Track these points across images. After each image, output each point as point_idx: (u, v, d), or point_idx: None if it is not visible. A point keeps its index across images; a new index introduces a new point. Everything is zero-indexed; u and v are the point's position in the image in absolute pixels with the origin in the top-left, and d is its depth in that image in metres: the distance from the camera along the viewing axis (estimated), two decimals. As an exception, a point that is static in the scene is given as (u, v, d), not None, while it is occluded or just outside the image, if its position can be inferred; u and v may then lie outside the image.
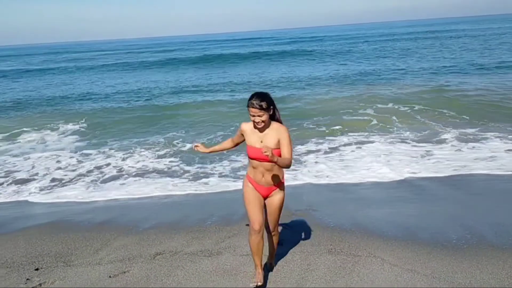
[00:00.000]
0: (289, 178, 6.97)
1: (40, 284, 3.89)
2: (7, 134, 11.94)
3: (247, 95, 3.58)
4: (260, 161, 3.57)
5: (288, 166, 3.53)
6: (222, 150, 4.09)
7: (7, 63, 47.02)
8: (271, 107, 3.53)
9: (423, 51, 30.49)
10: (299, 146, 9.10)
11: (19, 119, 14.24)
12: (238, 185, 6.86)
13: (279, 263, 4.13)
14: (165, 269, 4.10)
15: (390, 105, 12.80)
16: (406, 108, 12.21)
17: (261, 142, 3.56)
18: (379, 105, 12.81)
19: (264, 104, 3.44)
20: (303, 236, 4.72)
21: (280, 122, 3.67)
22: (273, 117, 3.66)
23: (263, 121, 3.49)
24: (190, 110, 14.10)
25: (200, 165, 8.16)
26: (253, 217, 3.60)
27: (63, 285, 3.87)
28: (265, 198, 3.75)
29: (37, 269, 4.22)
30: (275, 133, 3.55)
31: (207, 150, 3.97)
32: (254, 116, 3.47)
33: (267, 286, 3.75)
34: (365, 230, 4.81)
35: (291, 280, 3.82)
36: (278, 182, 3.69)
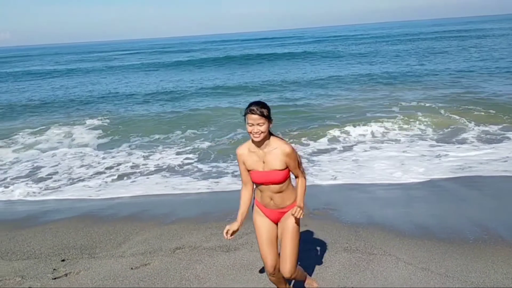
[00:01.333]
0: (307, 177, 7.03)
1: (66, 274, 4.08)
2: (36, 129, 12.37)
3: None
4: (267, 185, 3.18)
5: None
6: (248, 207, 3.36)
7: (33, 62, 48.23)
8: (271, 118, 3.14)
9: (449, 51, 29.82)
10: (315, 144, 9.14)
11: (47, 116, 14.71)
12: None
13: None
14: (184, 262, 4.25)
15: (414, 103, 12.72)
16: (431, 104, 12.13)
17: (263, 163, 3.16)
18: (403, 103, 12.76)
19: (265, 112, 3.06)
20: (319, 234, 4.79)
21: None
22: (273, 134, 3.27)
23: (262, 132, 3.07)
24: (212, 110, 14.27)
25: (215, 164, 8.34)
26: (265, 258, 3.27)
27: (87, 276, 4.06)
28: (277, 223, 3.35)
29: (63, 260, 4.42)
30: (279, 152, 3.13)
31: (239, 224, 3.28)
32: (253, 125, 3.06)
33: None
34: (381, 229, 4.85)
35: (306, 274, 3.91)
36: (290, 204, 3.26)
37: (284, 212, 3.28)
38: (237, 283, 3.83)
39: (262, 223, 3.31)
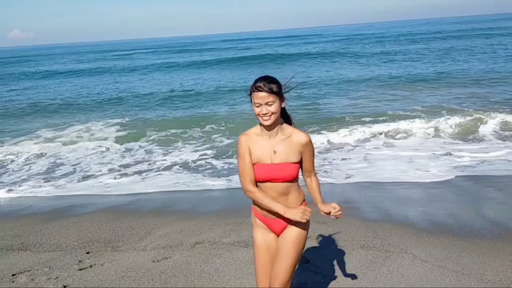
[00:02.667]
0: (324, 175, 7.11)
1: (91, 266, 4.25)
2: (57, 127, 12.70)
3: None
4: (274, 182, 2.63)
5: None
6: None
7: (55, 60, 49.17)
8: (283, 96, 2.63)
9: (474, 49, 29.14)
10: (330, 142, 9.18)
11: (67, 114, 15.09)
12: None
13: (311, 254, 4.30)
14: (204, 256, 4.37)
15: (435, 103, 12.63)
16: (453, 104, 12.03)
17: (275, 152, 2.62)
18: (425, 103, 12.68)
19: (274, 87, 2.54)
20: (337, 231, 4.85)
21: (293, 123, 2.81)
22: (287, 118, 2.77)
23: (273, 113, 2.55)
24: (231, 107, 14.41)
25: (232, 160, 8.46)
26: (258, 282, 2.84)
27: (112, 267, 4.21)
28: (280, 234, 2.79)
29: (88, 253, 4.59)
30: (295, 140, 2.63)
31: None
32: (260, 105, 2.54)
33: (297, 275, 3.93)
34: (398, 227, 4.89)
35: (322, 269, 4.00)
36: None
37: (289, 221, 2.69)
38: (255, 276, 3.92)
39: (263, 242, 2.78)
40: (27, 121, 14.45)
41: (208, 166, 8.31)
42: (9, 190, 7.55)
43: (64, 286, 3.83)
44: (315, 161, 2.80)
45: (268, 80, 2.57)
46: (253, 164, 2.65)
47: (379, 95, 14.86)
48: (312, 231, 4.82)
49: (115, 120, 13.27)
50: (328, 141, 9.55)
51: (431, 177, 6.82)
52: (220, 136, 10.61)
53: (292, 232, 2.71)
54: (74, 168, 8.75)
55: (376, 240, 4.57)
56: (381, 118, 11.15)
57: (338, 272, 3.95)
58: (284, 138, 2.65)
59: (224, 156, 8.91)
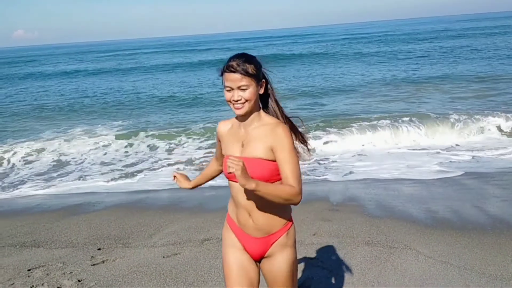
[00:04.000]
0: (329, 172, 7.21)
1: (103, 261, 4.37)
2: (60, 127, 12.85)
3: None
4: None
5: (288, 201, 2.01)
6: (208, 180, 2.70)
7: (59, 60, 49.38)
8: (263, 79, 2.15)
9: (482, 48, 28.66)
10: (333, 139, 9.26)
11: (72, 114, 15.25)
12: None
13: (317, 250, 4.41)
14: (212, 252, 4.48)
15: (441, 102, 12.71)
16: (457, 103, 12.11)
17: (242, 145, 2.18)
18: (430, 103, 12.76)
19: (251, 69, 2.05)
20: (341, 228, 4.95)
21: (282, 117, 2.25)
22: (266, 104, 2.26)
23: (246, 100, 2.08)
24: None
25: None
26: None
27: (123, 263, 4.33)
28: (259, 260, 2.27)
29: (99, 249, 4.71)
30: (267, 130, 2.12)
31: (189, 186, 2.64)
32: (231, 89, 2.08)
33: (303, 270, 4.04)
34: (402, 224, 4.99)
35: (327, 264, 4.10)
36: (282, 227, 2.21)
37: (271, 242, 2.20)
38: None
39: (234, 257, 2.25)
40: (30, 121, 14.57)
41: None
42: (17, 189, 7.69)
43: (78, 280, 3.96)
44: (297, 169, 2.06)
45: (244, 58, 2.07)
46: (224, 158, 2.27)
47: (384, 95, 14.96)
48: (317, 229, 4.95)
49: (120, 120, 13.41)
50: (326, 139, 9.64)
51: (435, 174, 6.93)
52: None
53: (280, 258, 2.20)
54: (79, 167, 8.90)
55: (381, 237, 4.67)
56: (381, 115, 11.25)
57: (343, 267, 4.05)
58: (257, 127, 2.17)
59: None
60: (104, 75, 29.15)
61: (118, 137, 11.06)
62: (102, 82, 25.25)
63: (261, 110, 2.22)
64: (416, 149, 8.58)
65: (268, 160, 2.10)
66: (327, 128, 10.35)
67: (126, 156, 9.56)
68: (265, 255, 2.24)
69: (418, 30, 59.46)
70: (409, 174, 7.06)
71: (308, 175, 7.29)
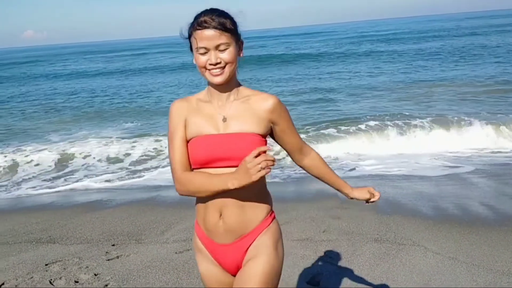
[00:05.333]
0: (338, 171, 7.27)
1: (118, 257, 4.49)
2: (67, 129, 13.03)
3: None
4: (222, 167, 1.74)
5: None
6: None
7: (67, 61, 49.76)
8: (241, 39, 1.78)
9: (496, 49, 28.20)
10: (338, 136, 9.31)
11: (81, 115, 15.43)
12: (290, 177, 7.26)
13: (326, 247, 4.49)
14: (222, 249, 4.58)
15: (453, 101, 12.72)
16: (467, 102, 12.11)
17: (224, 120, 1.77)
18: (441, 104, 12.78)
19: (228, 23, 1.68)
20: (351, 225, 5.02)
21: None
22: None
23: (227, 63, 1.71)
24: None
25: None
26: None
27: (137, 258, 4.44)
28: (236, 273, 1.84)
29: (113, 245, 4.83)
30: (257, 105, 1.78)
31: None
32: (207, 51, 1.69)
33: (313, 266, 4.12)
34: (412, 221, 5.05)
35: (336, 261, 4.19)
36: (258, 224, 1.81)
37: (247, 245, 1.80)
38: None
39: (210, 271, 1.90)
40: (39, 121, 14.70)
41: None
42: (29, 188, 7.84)
43: (95, 274, 4.08)
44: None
45: (217, 12, 1.69)
46: (189, 140, 1.79)
47: (394, 96, 14.97)
48: (326, 226, 5.03)
49: (129, 122, 13.55)
50: (331, 136, 9.71)
51: (443, 171, 7.00)
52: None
53: (258, 262, 1.74)
54: (89, 166, 9.03)
55: (389, 234, 4.74)
56: (393, 114, 11.29)
57: (352, 263, 4.13)
58: (239, 101, 1.79)
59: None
60: (114, 75, 29.35)
61: (126, 137, 11.18)
62: (112, 81, 25.46)
63: (240, 86, 1.86)
64: (424, 147, 8.61)
65: (261, 135, 1.77)
66: (336, 127, 10.40)
67: (135, 154, 9.65)
68: (242, 264, 1.80)
69: (429, 28, 59.00)
70: (418, 171, 7.13)
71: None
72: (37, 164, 9.39)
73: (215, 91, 1.81)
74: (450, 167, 7.24)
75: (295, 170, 7.55)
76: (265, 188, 1.91)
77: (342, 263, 4.15)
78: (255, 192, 1.81)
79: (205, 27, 1.67)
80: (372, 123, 10.43)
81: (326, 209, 5.58)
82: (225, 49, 1.70)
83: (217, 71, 1.72)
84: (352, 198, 2.09)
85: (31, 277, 4.11)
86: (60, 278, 4.06)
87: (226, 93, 1.81)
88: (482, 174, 6.72)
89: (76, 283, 3.97)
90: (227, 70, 1.73)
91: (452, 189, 6.19)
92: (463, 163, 7.40)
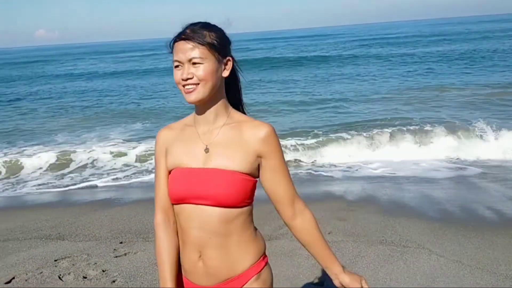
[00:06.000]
0: (345, 173, 7.30)
1: (126, 254, 4.57)
2: (74, 132, 13.18)
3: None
4: (198, 204, 1.53)
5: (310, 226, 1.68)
6: (175, 261, 1.65)
7: (78, 60, 50.16)
8: (228, 56, 1.58)
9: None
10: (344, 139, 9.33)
11: (89, 115, 15.61)
12: (302, 177, 7.30)
13: (331, 248, 4.52)
14: (229, 248, 4.64)
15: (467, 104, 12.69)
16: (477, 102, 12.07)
17: (207, 151, 1.56)
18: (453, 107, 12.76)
19: (210, 36, 1.51)
20: (357, 228, 5.06)
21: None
22: (235, 96, 1.70)
23: (201, 80, 1.50)
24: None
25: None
26: None
27: (145, 255, 4.52)
28: None
29: (121, 242, 4.91)
30: (248, 134, 1.56)
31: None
32: (180, 64, 1.52)
33: (317, 267, 4.16)
34: (417, 224, 5.07)
35: (341, 261, 4.19)
36: (246, 269, 1.60)
37: None
38: (279, 267, 4.17)
39: None
40: (46, 120, 14.78)
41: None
42: (39, 186, 7.97)
43: (103, 270, 4.16)
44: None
45: (201, 24, 1.54)
46: (170, 172, 1.63)
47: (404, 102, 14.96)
48: (332, 228, 5.07)
49: (137, 121, 13.67)
50: (336, 139, 9.73)
51: (450, 175, 7.02)
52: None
53: None
54: (96, 165, 9.14)
55: (395, 236, 4.77)
56: (411, 121, 11.29)
57: (356, 264, 4.17)
58: (229, 127, 1.58)
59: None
60: (124, 75, 29.55)
61: (135, 137, 11.28)
62: (122, 82, 25.66)
63: (231, 107, 1.65)
64: (433, 151, 8.60)
65: (246, 174, 1.54)
66: (345, 131, 10.41)
67: (143, 153, 9.73)
68: None
69: (440, 31, 58.59)
70: (425, 174, 7.15)
71: (324, 175, 7.43)
72: (46, 163, 9.51)
73: (199, 113, 1.61)
74: (458, 171, 7.25)
75: (301, 171, 7.60)
76: (253, 228, 1.67)
77: (347, 264, 4.18)
78: (239, 231, 1.59)
79: (181, 39, 1.52)
80: (381, 126, 10.44)
81: (332, 211, 5.62)
82: (199, 64, 1.50)
83: (190, 87, 1.52)
84: (340, 283, 1.69)
85: (41, 272, 4.21)
86: (68, 274, 4.15)
87: (212, 117, 1.59)
88: (490, 179, 6.72)
89: (85, 279, 4.05)
90: (201, 88, 1.51)
91: (459, 193, 6.21)
92: (471, 167, 7.39)
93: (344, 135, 10.08)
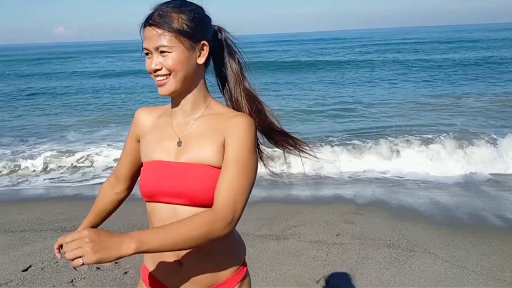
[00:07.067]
0: (355, 176, 7.37)
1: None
2: (90, 127, 13.42)
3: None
4: (168, 203, 1.42)
5: (209, 236, 1.27)
6: (104, 219, 1.90)
7: (97, 58, 50.73)
8: (203, 40, 1.39)
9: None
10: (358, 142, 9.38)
11: (102, 115, 15.85)
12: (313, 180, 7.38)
13: (338, 250, 4.60)
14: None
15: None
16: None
17: (179, 144, 1.43)
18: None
19: (178, 21, 1.33)
20: (364, 231, 5.12)
21: (248, 110, 1.49)
22: (225, 85, 1.53)
23: (171, 71, 1.36)
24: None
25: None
26: None
27: (155, 250, 4.65)
28: None
29: (134, 237, 5.05)
30: (222, 125, 1.40)
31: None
32: (149, 53, 1.38)
33: (323, 268, 4.24)
34: (425, 229, 5.11)
35: (347, 263, 4.31)
36: (229, 276, 1.50)
37: None
38: (286, 265, 4.27)
39: None
40: (61, 118, 14.96)
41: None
42: (53, 180, 8.17)
43: (115, 262, 4.30)
44: (240, 183, 1.36)
45: (172, 4, 1.36)
46: (143, 165, 1.52)
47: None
48: (340, 230, 5.15)
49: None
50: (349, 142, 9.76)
51: (461, 180, 7.09)
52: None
53: None
54: (110, 162, 9.30)
55: (402, 240, 4.83)
56: (415, 125, 11.29)
57: (362, 266, 4.24)
58: (205, 118, 1.45)
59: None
60: (140, 74, 29.77)
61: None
62: (138, 80, 25.92)
63: (211, 97, 1.51)
64: (443, 157, 8.59)
65: (219, 168, 1.38)
66: (360, 138, 10.43)
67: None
68: None
69: (458, 37, 58.04)
70: (435, 180, 7.19)
71: (334, 178, 7.50)
72: (61, 158, 9.69)
73: (175, 103, 1.49)
74: (469, 178, 7.24)
75: (311, 175, 7.67)
76: (229, 240, 1.51)
77: (352, 265, 4.26)
78: (218, 251, 1.46)
79: (149, 24, 1.35)
80: (395, 133, 10.43)
81: (341, 213, 5.69)
82: (167, 53, 1.35)
83: (161, 79, 1.39)
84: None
85: (56, 262, 4.37)
86: (82, 264, 4.28)
87: (189, 108, 1.46)
88: (502, 187, 6.72)
89: (98, 270, 4.20)
90: (172, 80, 1.38)
91: (469, 200, 6.22)
92: (483, 175, 7.37)
93: (357, 142, 10.08)
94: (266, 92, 19.07)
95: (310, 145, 1.61)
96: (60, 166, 9.03)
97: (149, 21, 1.36)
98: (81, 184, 7.87)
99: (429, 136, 10.05)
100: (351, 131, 11.21)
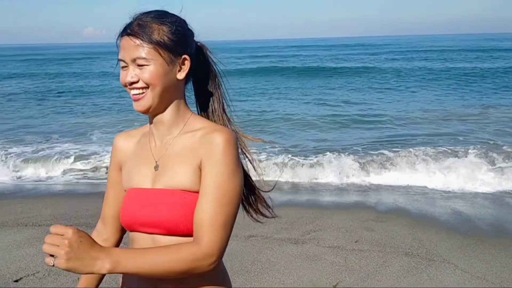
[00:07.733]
0: (376, 184, 7.34)
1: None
2: (109, 125, 13.65)
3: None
4: (145, 232, 1.30)
5: (192, 271, 1.19)
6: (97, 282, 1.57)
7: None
8: (184, 55, 1.30)
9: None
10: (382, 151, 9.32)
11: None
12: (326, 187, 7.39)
13: (356, 256, 4.62)
14: (257, 248, 4.81)
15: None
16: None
17: (156, 168, 1.33)
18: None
19: (159, 33, 1.26)
20: (384, 238, 5.11)
21: (226, 123, 1.42)
22: (204, 99, 1.45)
23: (148, 84, 1.26)
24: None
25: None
26: None
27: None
28: None
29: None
30: (199, 144, 1.28)
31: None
32: (125, 65, 1.29)
33: (340, 273, 4.26)
34: (446, 239, 5.08)
35: (365, 270, 4.31)
36: None
37: None
38: (303, 269, 4.31)
39: None
40: (88, 118, 15.19)
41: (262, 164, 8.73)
42: (78, 177, 8.40)
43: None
44: (224, 210, 1.24)
45: (153, 15, 1.29)
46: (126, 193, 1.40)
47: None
48: (359, 236, 5.16)
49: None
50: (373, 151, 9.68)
51: (485, 190, 7.01)
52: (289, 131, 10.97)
53: None
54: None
55: (421, 249, 4.80)
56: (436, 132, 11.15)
57: (379, 273, 4.24)
58: (183, 137, 1.34)
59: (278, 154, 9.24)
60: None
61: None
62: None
63: (191, 112, 1.41)
64: (468, 168, 8.47)
65: (197, 192, 1.27)
66: (387, 148, 10.30)
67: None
68: None
69: (488, 46, 56.85)
70: (459, 189, 7.15)
71: (356, 184, 7.49)
72: (89, 156, 9.91)
73: (152, 123, 1.38)
74: (493, 189, 7.12)
75: (332, 181, 7.67)
76: (221, 264, 1.41)
77: (370, 272, 4.27)
78: (196, 280, 1.30)
79: (126, 34, 1.28)
80: (421, 143, 10.29)
81: (361, 220, 5.70)
82: (144, 66, 1.26)
83: (137, 92, 1.29)
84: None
85: (80, 256, 4.51)
86: (105, 260, 4.42)
87: (167, 126, 1.35)
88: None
89: (119, 266, 4.32)
90: (149, 94, 1.28)
91: (493, 211, 6.15)
92: (507, 187, 7.25)
93: (383, 151, 9.98)
94: (290, 95, 19.11)
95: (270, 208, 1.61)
96: (85, 163, 9.26)
97: (127, 31, 1.28)
98: (105, 181, 8.05)
99: (455, 147, 9.91)
100: (377, 138, 11.13)
